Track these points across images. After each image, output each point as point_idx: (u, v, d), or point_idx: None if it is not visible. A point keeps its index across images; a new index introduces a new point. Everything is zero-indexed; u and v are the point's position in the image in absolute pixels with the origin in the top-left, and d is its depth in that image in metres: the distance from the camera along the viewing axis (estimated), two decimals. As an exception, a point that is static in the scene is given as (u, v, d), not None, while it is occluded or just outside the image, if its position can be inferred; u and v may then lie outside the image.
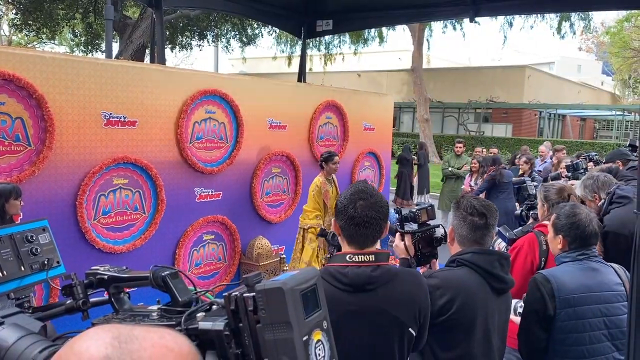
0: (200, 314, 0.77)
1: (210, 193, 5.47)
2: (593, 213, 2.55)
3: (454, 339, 1.98)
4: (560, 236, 2.49)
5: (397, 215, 2.46)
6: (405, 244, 2.36)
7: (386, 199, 1.89)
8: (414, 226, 2.43)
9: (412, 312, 1.78)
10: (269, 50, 26.23)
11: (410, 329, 1.78)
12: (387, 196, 8.62)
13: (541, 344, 2.37)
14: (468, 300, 1.98)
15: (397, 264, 2.34)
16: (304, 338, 0.68)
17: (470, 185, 8.13)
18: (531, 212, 3.88)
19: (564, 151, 9.12)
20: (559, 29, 22.49)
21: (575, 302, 2.31)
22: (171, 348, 0.60)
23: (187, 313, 0.77)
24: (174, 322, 0.79)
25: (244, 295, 0.72)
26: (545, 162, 9.42)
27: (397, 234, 2.41)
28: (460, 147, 9.41)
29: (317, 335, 0.71)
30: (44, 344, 0.71)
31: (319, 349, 0.70)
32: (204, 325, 0.74)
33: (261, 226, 6.16)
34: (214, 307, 0.80)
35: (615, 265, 2.49)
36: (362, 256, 1.75)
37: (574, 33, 23.22)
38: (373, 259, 1.75)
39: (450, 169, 9.23)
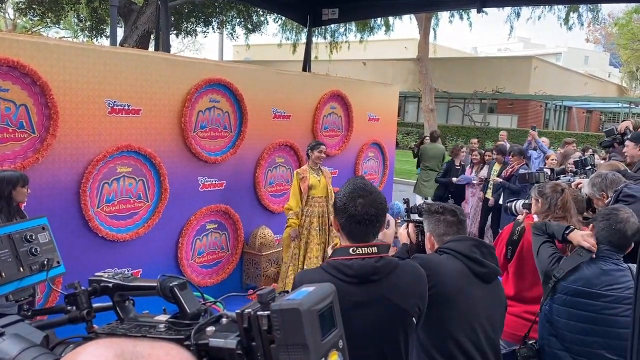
0: (209, 328, 0.75)
1: (213, 182, 5.45)
2: (638, 221, 2.49)
3: (432, 318, 2.01)
4: (592, 225, 2.53)
5: (404, 205, 2.73)
6: (408, 231, 2.54)
7: (383, 194, 1.93)
8: (419, 218, 2.62)
9: (414, 301, 1.84)
10: (273, 37, 26.02)
11: (413, 318, 1.84)
12: (391, 187, 8.57)
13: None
14: (445, 281, 2.07)
15: (395, 251, 2.47)
16: None
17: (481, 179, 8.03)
18: (521, 204, 3.82)
19: (574, 145, 8.95)
20: (566, 20, 22.21)
21: (570, 292, 2.42)
22: None
23: (197, 327, 0.75)
24: (182, 336, 0.76)
25: (258, 313, 0.69)
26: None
27: (405, 222, 2.63)
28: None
29: (334, 356, 0.68)
30: (47, 358, 0.69)
31: None
32: (215, 342, 0.71)
33: (264, 216, 6.15)
34: (223, 319, 0.77)
35: (633, 267, 2.47)
36: (366, 248, 1.80)
37: (582, 24, 22.95)
38: (376, 251, 1.80)
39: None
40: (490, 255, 2.22)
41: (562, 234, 2.66)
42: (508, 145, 8.98)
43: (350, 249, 1.80)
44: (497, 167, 7.95)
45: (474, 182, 8.29)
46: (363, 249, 1.79)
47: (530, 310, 2.95)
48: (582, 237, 2.58)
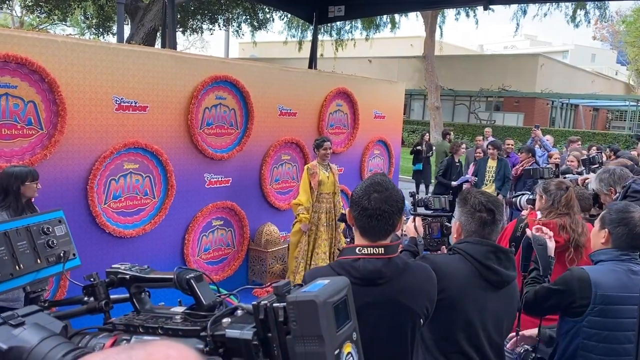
0: (225, 320, 0.76)
1: (219, 179, 5.47)
2: None
3: (437, 320, 1.98)
4: (605, 230, 2.40)
5: (411, 198, 2.64)
6: (415, 225, 2.50)
7: (402, 194, 1.88)
8: (426, 211, 2.61)
9: (423, 303, 1.82)
10: (279, 34, 26.01)
11: (421, 319, 1.83)
12: (396, 184, 8.56)
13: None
14: (453, 285, 2.00)
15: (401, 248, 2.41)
16: (336, 352, 0.67)
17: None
18: (526, 199, 3.81)
19: (579, 142, 8.92)
20: (573, 17, 22.10)
21: (611, 300, 2.28)
22: None
23: (213, 318, 0.76)
24: (198, 327, 0.78)
25: (274, 305, 0.70)
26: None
27: (411, 216, 2.58)
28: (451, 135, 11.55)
29: (348, 348, 0.69)
30: (67, 347, 0.70)
31: None
32: (231, 333, 0.72)
33: (270, 213, 6.16)
34: (238, 311, 0.78)
35: None
36: (372, 249, 1.76)
37: (589, 22, 22.82)
38: (383, 252, 1.76)
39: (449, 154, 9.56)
40: (507, 260, 2.11)
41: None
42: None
43: (357, 249, 1.77)
44: (492, 163, 7.94)
45: (470, 180, 8.32)
46: (369, 249, 1.75)
47: None
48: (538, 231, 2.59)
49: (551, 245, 2.56)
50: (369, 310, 1.73)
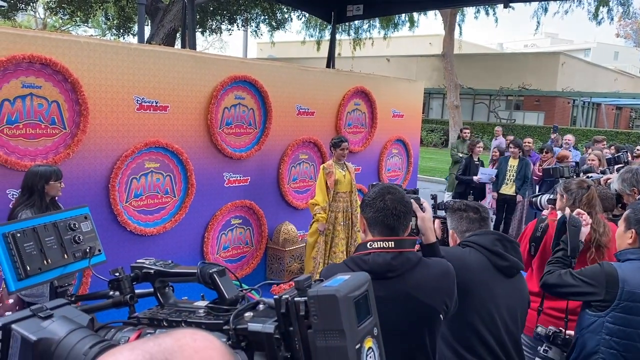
0: (248, 314, 0.77)
1: (238, 178, 5.51)
2: None
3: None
4: (632, 230, 2.39)
5: (432, 200, 2.69)
6: (434, 227, 2.53)
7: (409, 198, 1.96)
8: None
9: (441, 298, 1.83)
10: (298, 34, 26.07)
11: (440, 314, 1.84)
12: (415, 184, 8.53)
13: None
14: (467, 273, 2.08)
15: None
16: (357, 346, 0.68)
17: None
18: (546, 199, 3.77)
19: (604, 142, 8.80)
20: (595, 15, 21.69)
21: (636, 298, 2.26)
22: (213, 348, 0.57)
23: (235, 312, 0.77)
24: (221, 321, 0.79)
25: (296, 299, 0.71)
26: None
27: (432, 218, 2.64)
28: (467, 133, 10.10)
29: (369, 343, 0.70)
30: (94, 339, 0.72)
31: (370, 357, 0.70)
32: (253, 327, 0.73)
33: (288, 212, 6.19)
34: (260, 306, 0.79)
35: None
36: (383, 242, 1.80)
37: (612, 19, 22.37)
38: (393, 245, 1.79)
39: (460, 154, 9.26)
40: (513, 249, 2.22)
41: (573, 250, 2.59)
42: (504, 141, 8.90)
43: (368, 244, 1.82)
44: (513, 161, 7.85)
45: (491, 178, 8.13)
46: (379, 242, 1.79)
47: (554, 307, 2.91)
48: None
49: (585, 230, 2.63)
50: (381, 305, 1.73)
